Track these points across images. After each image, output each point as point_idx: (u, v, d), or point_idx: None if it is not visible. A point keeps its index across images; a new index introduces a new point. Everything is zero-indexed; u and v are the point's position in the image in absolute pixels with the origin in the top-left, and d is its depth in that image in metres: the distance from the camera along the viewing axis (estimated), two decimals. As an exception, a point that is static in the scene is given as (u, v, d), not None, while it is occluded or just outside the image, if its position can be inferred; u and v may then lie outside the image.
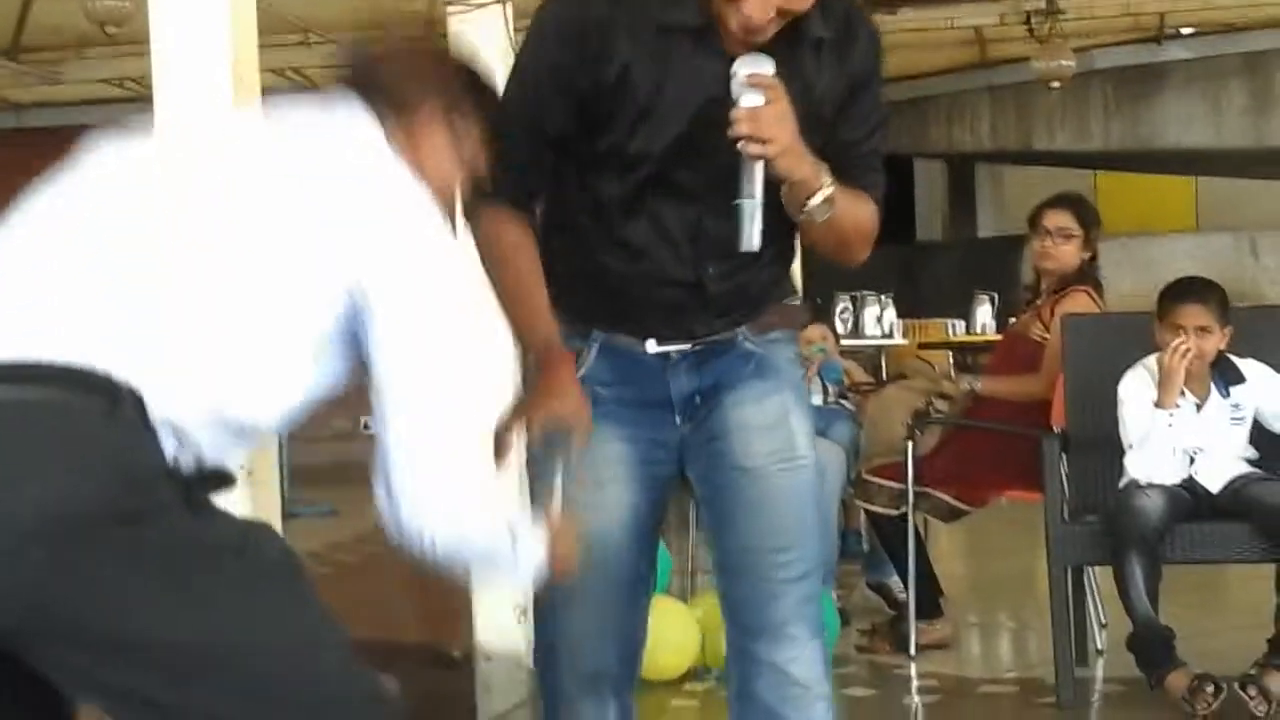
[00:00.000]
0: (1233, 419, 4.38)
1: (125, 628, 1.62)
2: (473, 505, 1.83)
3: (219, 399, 1.74)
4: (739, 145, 2.18)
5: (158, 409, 1.68)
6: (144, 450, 1.68)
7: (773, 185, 2.23)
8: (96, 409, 1.64)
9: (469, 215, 2.31)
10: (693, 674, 4.53)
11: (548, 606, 2.45)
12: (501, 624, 4.16)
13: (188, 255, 1.75)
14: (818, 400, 5.86)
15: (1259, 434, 4.42)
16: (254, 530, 1.79)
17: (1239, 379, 4.38)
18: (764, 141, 2.17)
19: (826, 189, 2.25)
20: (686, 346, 2.40)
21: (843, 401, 5.91)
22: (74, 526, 1.59)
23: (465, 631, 4.13)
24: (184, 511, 1.68)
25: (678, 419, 2.42)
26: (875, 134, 2.42)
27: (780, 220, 2.28)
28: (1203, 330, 4.30)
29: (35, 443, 1.62)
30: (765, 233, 2.23)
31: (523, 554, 1.93)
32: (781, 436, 2.41)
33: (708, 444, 2.41)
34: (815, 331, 6.12)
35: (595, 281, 2.38)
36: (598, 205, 2.35)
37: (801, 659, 2.37)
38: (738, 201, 2.20)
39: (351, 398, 1.86)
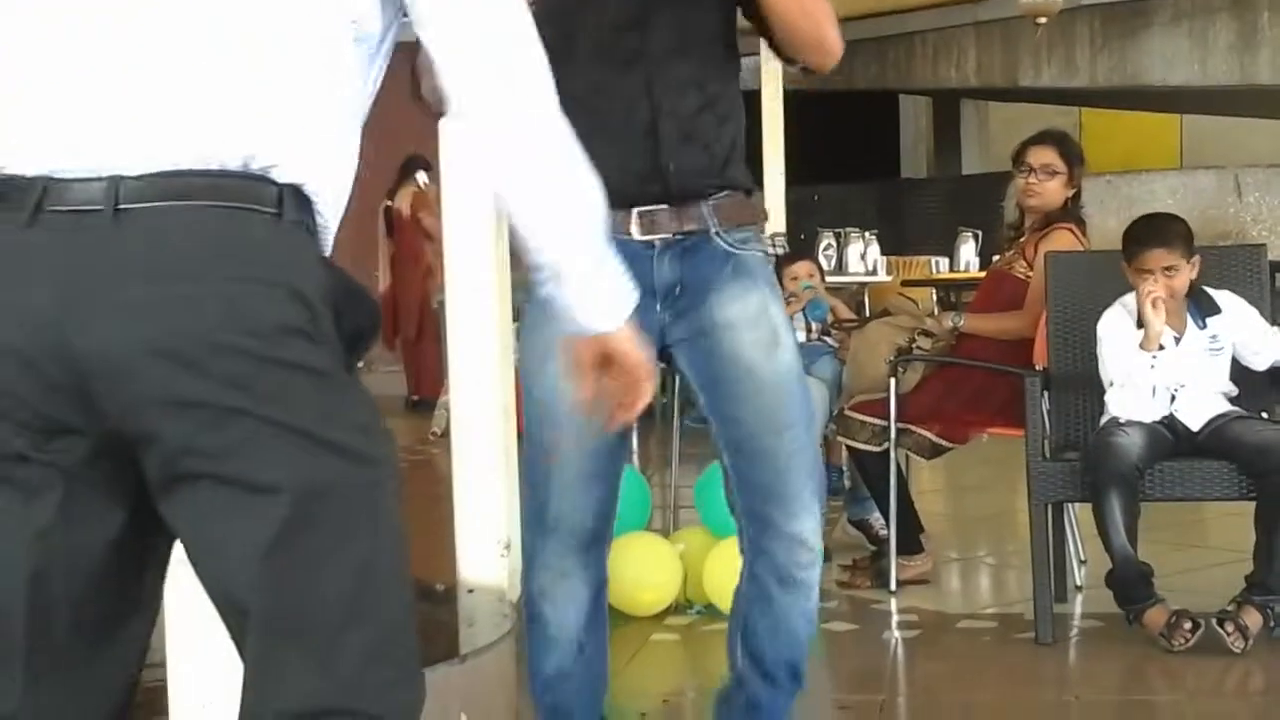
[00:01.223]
0: (1210, 349, 4.39)
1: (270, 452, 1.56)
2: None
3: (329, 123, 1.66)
4: None
5: (298, 176, 1.61)
6: (310, 261, 1.63)
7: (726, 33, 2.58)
8: (263, 218, 1.59)
9: None
10: (674, 608, 4.56)
11: (539, 470, 2.68)
12: (484, 558, 4.17)
13: None
14: (801, 337, 5.86)
15: (1238, 370, 4.44)
16: (383, 443, 1.70)
17: (1214, 310, 4.40)
18: None
19: None
20: (669, 236, 2.63)
21: (826, 338, 5.91)
22: (248, 338, 1.55)
23: (448, 565, 4.14)
24: (343, 357, 1.63)
25: (658, 306, 2.64)
26: None
27: (711, 59, 2.62)
28: (1169, 270, 4.32)
29: (211, 254, 1.56)
30: (689, 67, 2.58)
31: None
32: (765, 327, 2.66)
33: (698, 339, 2.66)
34: (803, 268, 6.11)
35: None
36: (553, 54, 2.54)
37: (809, 528, 2.68)
38: None
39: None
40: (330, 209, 1.68)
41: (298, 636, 1.60)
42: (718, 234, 2.65)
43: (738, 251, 2.66)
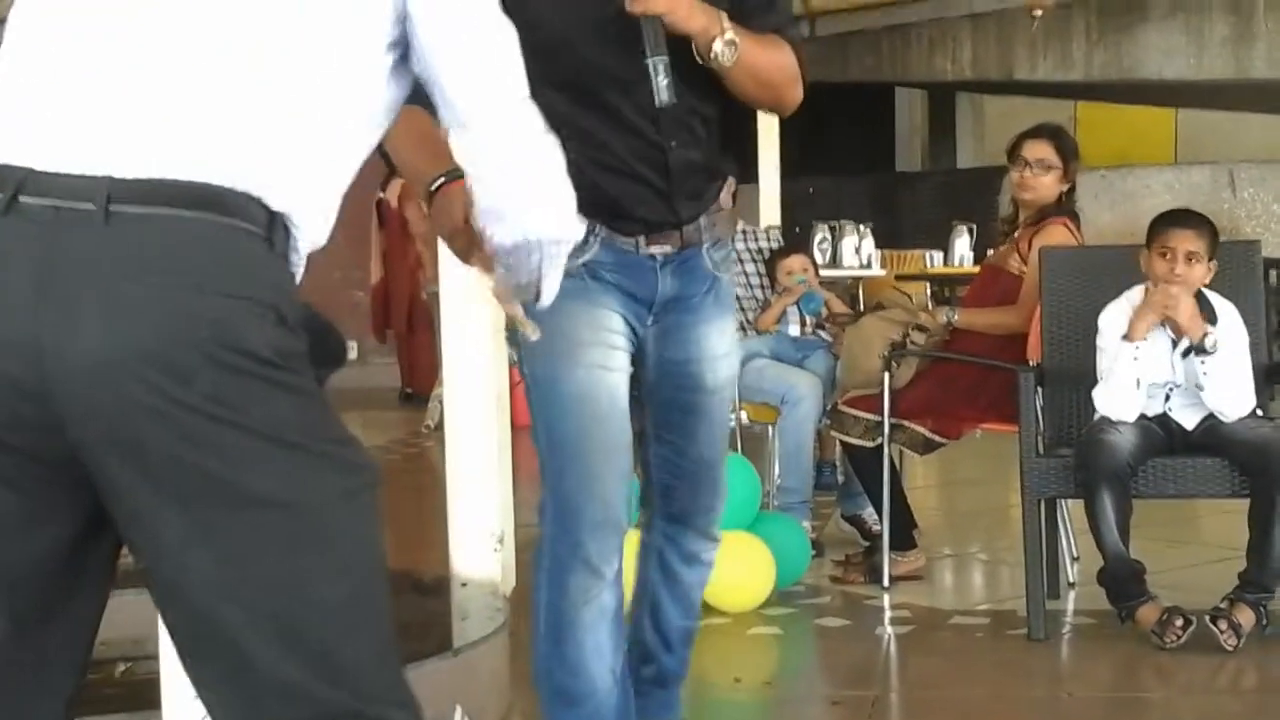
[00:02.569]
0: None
1: (235, 478, 1.53)
2: (564, 187, 1.79)
3: (325, 155, 1.65)
4: (628, 7, 2.45)
5: (293, 214, 1.61)
6: (292, 289, 1.62)
7: (686, 49, 2.51)
8: (257, 240, 1.57)
9: None
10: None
11: (566, 459, 2.65)
12: (478, 551, 4.17)
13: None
14: (795, 331, 5.85)
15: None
16: (361, 452, 1.68)
17: (1212, 318, 4.37)
18: (648, 3, 2.45)
19: (727, 34, 2.51)
20: (668, 249, 2.68)
21: (820, 332, 5.89)
22: (239, 355, 1.52)
23: (441, 558, 4.13)
24: (313, 377, 1.61)
25: (650, 319, 2.71)
26: None
27: (704, 87, 2.59)
28: (1192, 255, 4.30)
29: (208, 264, 1.53)
30: (690, 98, 2.56)
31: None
32: (732, 363, 2.86)
33: (683, 365, 2.76)
34: (797, 262, 6.09)
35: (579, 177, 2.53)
36: (559, 108, 2.48)
37: (717, 524, 2.92)
38: (646, 61, 2.46)
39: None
40: (306, 244, 1.66)
41: (299, 646, 1.57)
42: (707, 251, 2.74)
43: (719, 275, 2.78)
